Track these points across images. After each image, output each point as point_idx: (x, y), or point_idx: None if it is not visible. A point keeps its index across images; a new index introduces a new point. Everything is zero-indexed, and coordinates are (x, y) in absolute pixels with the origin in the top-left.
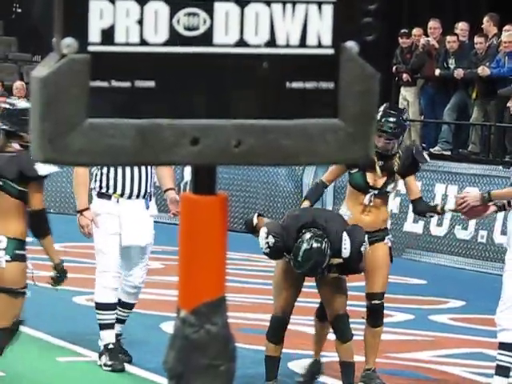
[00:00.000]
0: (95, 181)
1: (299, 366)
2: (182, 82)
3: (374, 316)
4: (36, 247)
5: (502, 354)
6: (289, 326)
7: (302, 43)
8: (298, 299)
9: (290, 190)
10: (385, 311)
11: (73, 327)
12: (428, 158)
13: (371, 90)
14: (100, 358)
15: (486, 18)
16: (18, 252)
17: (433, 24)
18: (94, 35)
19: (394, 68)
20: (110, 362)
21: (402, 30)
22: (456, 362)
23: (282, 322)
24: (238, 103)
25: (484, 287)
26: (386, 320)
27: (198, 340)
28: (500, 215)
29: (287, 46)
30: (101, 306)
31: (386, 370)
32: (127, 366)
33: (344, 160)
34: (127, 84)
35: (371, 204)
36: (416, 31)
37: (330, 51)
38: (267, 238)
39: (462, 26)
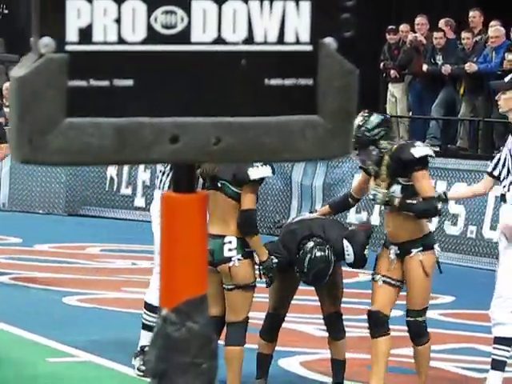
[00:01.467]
0: (160, 181)
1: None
2: (161, 80)
3: (410, 333)
4: (23, 247)
5: (497, 349)
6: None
7: (280, 40)
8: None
9: (279, 187)
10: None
11: (63, 328)
12: (417, 153)
13: (350, 86)
14: (135, 358)
15: (471, 14)
16: (246, 249)
17: (420, 20)
18: (72, 34)
19: (381, 64)
20: (143, 368)
21: (390, 27)
22: (447, 358)
23: (276, 319)
24: (216, 101)
25: (474, 282)
26: None
27: (179, 338)
28: (489, 210)
29: (265, 43)
30: (152, 308)
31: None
32: (118, 366)
33: (324, 156)
34: (105, 83)
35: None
36: (403, 27)
37: (309, 48)
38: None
39: (448, 22)
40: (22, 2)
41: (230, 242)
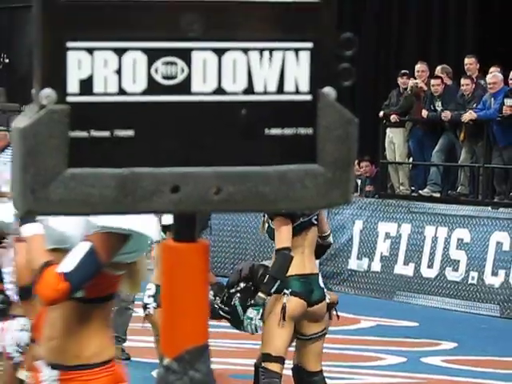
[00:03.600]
0: None
1: None
2: (161, 130)
3: None
4: None
5: None
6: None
7: (280, 90)
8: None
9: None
10: (377, 354)
11: None
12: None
13: (349, 135)
14: None
15: (467, 61)
16: None
17: (420, 67)
18: (73, 86)
19: (381, 112)
20: None
21: (403, 71)
22: None
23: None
24: (217, 150)
25: (476, 328)
26: (378, 363)
27: None
28: (490, 255)
29: (265, 93)
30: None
31: None
32: None
33: (324, 205)
34: (107, 133)
35: None
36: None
37: (308, 97)
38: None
39: (445, 69)
40: (23, 52)
41: (149, 289)
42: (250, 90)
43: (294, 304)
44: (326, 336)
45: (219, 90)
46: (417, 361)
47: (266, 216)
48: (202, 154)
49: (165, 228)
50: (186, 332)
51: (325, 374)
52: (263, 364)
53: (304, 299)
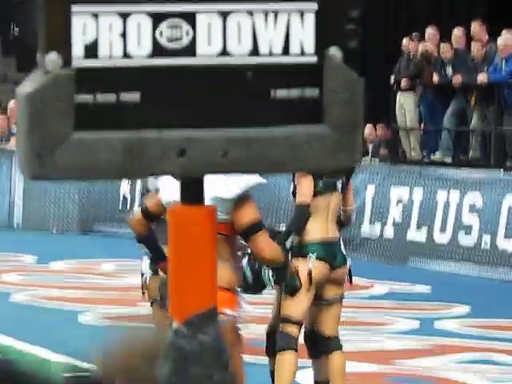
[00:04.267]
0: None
1: None
2: (167, 93)
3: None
4: (38, 265)
5: None
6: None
7: (285, 52)
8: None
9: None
10: (391, 318)
11: (80, 345)
12: None
13: (355, 96)
14: None
15: (474, 24)
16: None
17: (430, 31)
18: (78, 50)
19: (392, 77)
20: None
21: (413, 34)
22: (463, 368)
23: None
24: (223, 113)
25: (488, 292)
26: (391, 327)
27: (191, 351)
28: (503, 219)
29: (270, 54)
30: None
31: (393, 377)
32: None
33: (331, 166)
34: (112, 97)
35: None
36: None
37: (314, 59)
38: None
39: (455, 33)
40: (33, 23)
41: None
42: (255, 52)
43: (319, 269)
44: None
45: (224, 53)
46: (430, 325)
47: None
48: (209, 117)
49: None
50: (194, 296)
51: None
52: (281, 326)
53: (329, 264)
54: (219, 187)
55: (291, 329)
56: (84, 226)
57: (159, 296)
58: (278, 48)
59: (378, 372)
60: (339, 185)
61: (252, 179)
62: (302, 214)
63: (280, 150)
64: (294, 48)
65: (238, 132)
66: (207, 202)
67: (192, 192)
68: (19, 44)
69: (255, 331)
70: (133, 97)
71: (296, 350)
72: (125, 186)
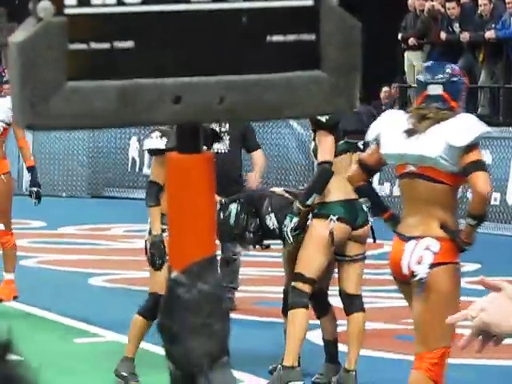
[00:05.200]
0: None
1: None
2: (161, 40)
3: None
4: (47, 231)
5: None
6: None
7: None
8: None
9: (301, 162)
10: None
11: (89, 308)
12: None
13: (353, 40)
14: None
15: None
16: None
17: None
18: None
19: (399, 35)
20: None
21: None
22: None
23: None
24: (218, 59)
25: (498, 249)
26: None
27: (190, 299)
28: None
29: None
30: None
31: (401, 335)
32: (145, 345)
33: (329, 111)
34: (106, 45)
35: None
36: None
37: (310, 2)
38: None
39: None
40: None
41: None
42: None
43: (340, 230)
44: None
45: None
46: None
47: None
48: (204, 64)
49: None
50: (193, 244)
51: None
52: (294, 283)
53: (350, 224)
54: (451, 136)
55: (303, 286)
56: (93, 191)
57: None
58: None
59: (387, 329)
60: (361, 145)
61: (481, 128)
62: (325, 173)
63: (277, 95)
64: None
65: (234, 78)
66: (438, 150)
67: (188, 140)
68: (24, 10)
69: (268, 291)
70: (127, 44)
71: (307, 308)
72: (133, 148)
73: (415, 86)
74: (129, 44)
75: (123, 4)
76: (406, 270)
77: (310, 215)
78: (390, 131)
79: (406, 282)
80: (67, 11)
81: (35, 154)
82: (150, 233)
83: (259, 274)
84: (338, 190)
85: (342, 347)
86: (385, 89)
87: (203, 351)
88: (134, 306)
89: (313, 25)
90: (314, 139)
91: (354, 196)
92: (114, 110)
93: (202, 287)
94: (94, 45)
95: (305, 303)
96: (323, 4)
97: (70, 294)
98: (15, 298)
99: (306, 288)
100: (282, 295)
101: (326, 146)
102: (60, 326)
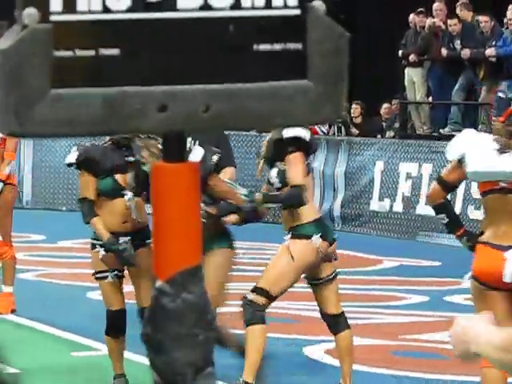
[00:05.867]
0: None
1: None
2: (148, 48)
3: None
4: (47, 244)
5: None
6: (303, 313)
7: (268, 5)
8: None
9: None
10: (400, 294)
11: (87, 322)
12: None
13: (340, 50)
14: None
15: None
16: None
17: (438, 5)
18: (56, 4)
19: (400, 52)
20: None
21: (419, 9)
22: None
23: None
24: (205, 68)
25: None
26: (401, 303)
27: (174, 309)
28: None
29: (252, 8)
30: None
31: (402, 351)
32: (144, 359)
33: (315, 120)
34: (91, 52)
35: None
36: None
37: (297, 11)
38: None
39: (463, 6)
40: None
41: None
42: (237, 5)
43: (323, 247)
44: (350, 277)
45: (205, 6)
46: (440, 299)
47: (264, 158)
48: (190, 72)
49: None
50: (178, 253)
51: (348, 315)
52: (254, 297)
53: (326, 241)
54: None
55: (264, 301)
56: None
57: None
58: (261, 1)
59: (383, 345)
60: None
61: None
62: (299, 196)
63: (263, 104)
64: (277, 1)
65: (220, 87)
66: None
67: (174, 148)
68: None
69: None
70: (112, 52)
71: (265, 323)
72: None
73: (416, 102)
74: (114, 51)
75: (109, 11)
76: (509, 278)
77: (288, 236)
78: (477, 150)
79: (500, 289)
80: (52, 18)
81: (36, 168)
82: (102, 246)
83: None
84: (312, 210)
85: (335, 362)
86: (385, 105)
87: (187, 361)
88: (133, 321)
89: (300, 34)
90: (270, 164)
91: (319, 214)
92: (99, 117)
93: (187, 297)
94: (79, 52)
95: (264, 319)
96: (310, 13)
97: (68, 308)
98: (13, 311)
99: (266, 303)
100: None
101: (302, 169)
102: (57, 339)
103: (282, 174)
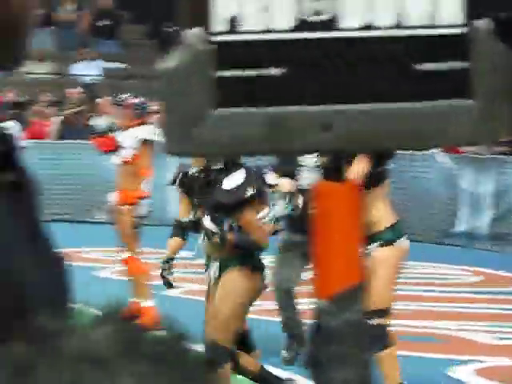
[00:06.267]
0: None
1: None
2: (310, 68)
3: None
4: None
5: None
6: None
7: (431, 23)
8: None
9: (446, 195)
10: None
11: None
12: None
13: (504, 69)
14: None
15: None
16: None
17: None
18: (219, 25)
19: None
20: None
21: None
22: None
23: None
24: (367, 88)
25: None
26: None
27: (336, 328)
28: None
29: (416, 27)
30: None
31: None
32: None
33: (477, 141)
34: (254, 72)
35: None
36: None
37: (461, 30)
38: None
39: None
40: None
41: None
42: (400, 24)
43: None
44: (500, 297)
45: (368, 26)
46: None
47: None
48: (352, 92)
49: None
50: (340, 274)
51: (497, 335)
52: (375, 321)
53: None
54: None
55: (386, 321)
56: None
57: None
58: (424, 19)
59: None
60: None
61: None
62: None
63: (426, 123)
64: (441, 19)
65: (383, 106)
66: None
67: (334, 168)
68: (173, 41)
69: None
70: (274, 72)
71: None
72: None
73: None
74: (277, 71)
75: (272, 31)
76: None
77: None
78: None
79: None
80: (216, 38)
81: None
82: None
83: (406, 308)
84: (387, 215)
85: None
86: None
87: (345, 380)
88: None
89: (464, 53)
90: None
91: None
92: (261, 137)
93: (348, 317)
94: (242, 72)
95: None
96: (475, 32)
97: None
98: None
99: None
100: (424, 330)
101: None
102: None
103: None
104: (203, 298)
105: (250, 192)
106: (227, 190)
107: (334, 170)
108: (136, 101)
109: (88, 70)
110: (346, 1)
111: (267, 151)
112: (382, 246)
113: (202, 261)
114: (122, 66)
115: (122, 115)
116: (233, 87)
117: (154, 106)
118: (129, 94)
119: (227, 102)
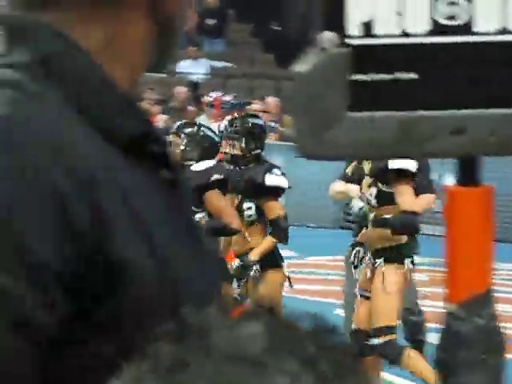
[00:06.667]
0: None
1: None
2: (443, 72)
3: None
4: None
5: None
6: None
7: None
8: None
9: None
10: None
11: None
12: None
13: None
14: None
15: None
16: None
17: None
18: (354, 28)
19: None
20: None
21: None
22: None
23: None
24: (500, 93)
25: None
26: None
27: (466, 334)
28: None
29: None
30: None
31: None
32: None
33: None
34: (388, 76)
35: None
36: None
37: None
38: None
39: None
40: (294, 17)
41: None
42: None
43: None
44: None
45: (503, 30)
46: None
47: None
48: (484, 96)
49: None
50: (471, 278)
51: None
52: (388, 337)
53: None
54: None
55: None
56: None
57: None
58: None
59: None
60: None
61: None
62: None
63: None
64: None
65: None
66: None
67: (468, 172)
68: (279, 40)
69: None
70: (409, 76)
71: None
72: None
73: None
74: (411, 76)
75: (407, 35)
76: None
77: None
78: None
79: None
80: (351, 42)
81: None
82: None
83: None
84: None
85: None
86: None
87: None
88: None
89: None
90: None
91: None
92: (392, 140)
93: (478, 321)
94: (376, 76)
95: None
96: None
97: None
98: None
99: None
100: None
101: (410, 194)
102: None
103: (381, 194)
104: (306, 297)
105: (215, 177)
106: (196, 172)
107: (466, 174)
108: (227, 99)
109: (194, 68)
110: (481, 6)
111: (399, 155)
112: (388, 261)
113: (305, 260)
114: (228, 64)
115: (210, 113)
116: (366, 91)
117: (254, 105)
118: (221, 93)
119: (361, 105)
